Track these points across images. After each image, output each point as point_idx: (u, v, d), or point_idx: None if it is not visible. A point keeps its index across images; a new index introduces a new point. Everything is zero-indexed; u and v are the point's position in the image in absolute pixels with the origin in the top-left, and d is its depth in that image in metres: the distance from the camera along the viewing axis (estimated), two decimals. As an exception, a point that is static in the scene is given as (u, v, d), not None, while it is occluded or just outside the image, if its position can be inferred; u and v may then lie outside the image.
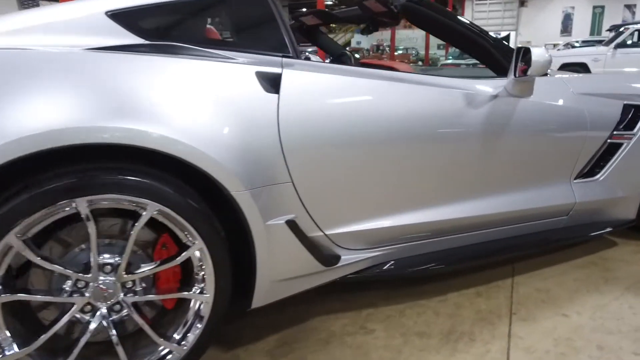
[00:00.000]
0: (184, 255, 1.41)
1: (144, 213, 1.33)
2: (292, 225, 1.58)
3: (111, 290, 1.37)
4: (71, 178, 1.24)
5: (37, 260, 1.26)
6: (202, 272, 1.46)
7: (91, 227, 1.28)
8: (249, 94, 1.49)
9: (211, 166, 1.36)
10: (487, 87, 1.95)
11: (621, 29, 11.14)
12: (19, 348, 1.29)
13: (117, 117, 1.26)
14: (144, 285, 1.44)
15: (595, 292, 2.10)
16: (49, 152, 1.19)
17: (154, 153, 1.31)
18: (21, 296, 1.29)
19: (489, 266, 2.34)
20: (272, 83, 1.53)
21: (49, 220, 1.28)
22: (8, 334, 1.29)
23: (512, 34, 23.92)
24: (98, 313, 1.38)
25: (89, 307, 1.37)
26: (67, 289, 1.35)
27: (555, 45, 17.95)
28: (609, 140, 2.30)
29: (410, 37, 23.37)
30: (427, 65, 16.89)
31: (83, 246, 1.38)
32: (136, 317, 1.39)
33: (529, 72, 1.87)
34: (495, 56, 2.05)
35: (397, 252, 1.91)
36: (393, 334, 1.79)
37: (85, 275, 1.33)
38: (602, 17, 22.83)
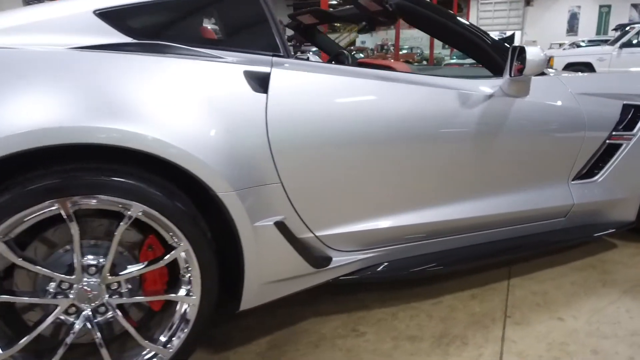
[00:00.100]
0: (169, 256, 1.39)
1: (128, 214, 1.31)
2: (281, 226, 1.56)
3: (96, 292, 1.35)
4: (53, 178, 1.23)
5: (19, 261, 1.25)
6: (189, 274, 1.44)
7: (74, 228, 1.27)
8: (237, 93, 1.47)
9: (196, 166, 1.34)
10: (482, 86, 1.92)
11: (627, 29, 11.04)
12: (3, 350, 1.28)
13: (100, 117, 1.25)
14: (129, 287, 1.42)
15: (593, 296, 2.07)
16: (30, 152, 1.18)
17: (138, 153, 1.29)
18: (3, 297, 1.27)
19: (485, 268, 2.31)
20: (260, 82, 1.51)
21: (33, 221, 1.26)
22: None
23: (518, 34, 23.79)
24: (82, 315, 1.36)
25: (73, 308, 1.36)
26: (51, 290, 1.33)
27: (561, 45, 17.85)
28: (607, 141, 2.26)
29: (415, 36, 23.32)
30: (432, 64, 16.83)
31: (68, 247, 1.36)
32: (120, 319, 1.38)
33: (524, 72, 1.84)
34: (492, 55, 2.01)
35: (391, 253, 1.89)
36: (384, 338, 1.77)
37: (69, 277, 1.32)
38: (608, 17, 22.70)
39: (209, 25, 1.70)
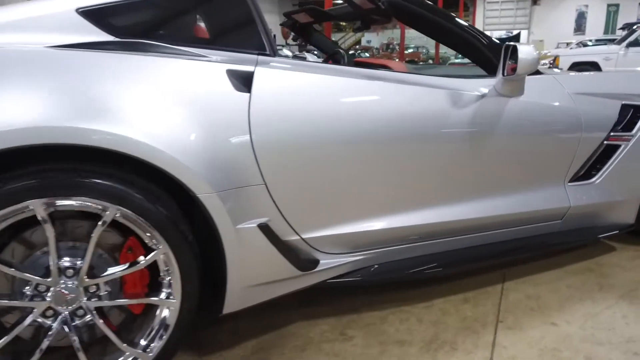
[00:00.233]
0: (148, 259, 1.37)
1: (105, 215, 1.29)
2: (265, 229, 1.53)
3: (73, 295, 1.33)
4: (27, 179, 1.20)
5: (-7, 263, 1.23)
6: (169, 277, 1.41)
7: (49, 230, 1.25)
8: (219, 92, 1.44)
9: (175, 167, 1.32)
10: (476, 86, 1.88)
11: (634, 27, 10.91)
12: (-21, 353, 1.26)
13: (77, 118, 1.23)
14: (109, 289, 1.40)
15: (588, 300, 2.02)
16: (3, 152, 1.16)
17: (115, 154, 1.27)
18: (-23, 300, 1.26)
19: (479, 271, 2.27)
20: (243, 82, 1.48)
21: (9, 222, 1.24)
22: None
23: (524, 33, 23.63)
24: (60, 318, 1.34)
25: (51, 311, 1.34)
26: (28, 292, 1.31)
27: (568, 44, 17.70)
28: (605, 142, 2.21)
29: (421, 35, 23.21)
30: (437, 63, 16.75)
31: (46, 249, 1.34)
32: (98, 321, 1.35)
33: (517, 71, 1.80)
34: (487, 55, 1.97)
35: (380, 256, 1.85)
36: (372, 342, 1.73)
37: (46, 279, 1.30)
38: (616, 16, 22.49)
39: (194, 23, 1.67)
